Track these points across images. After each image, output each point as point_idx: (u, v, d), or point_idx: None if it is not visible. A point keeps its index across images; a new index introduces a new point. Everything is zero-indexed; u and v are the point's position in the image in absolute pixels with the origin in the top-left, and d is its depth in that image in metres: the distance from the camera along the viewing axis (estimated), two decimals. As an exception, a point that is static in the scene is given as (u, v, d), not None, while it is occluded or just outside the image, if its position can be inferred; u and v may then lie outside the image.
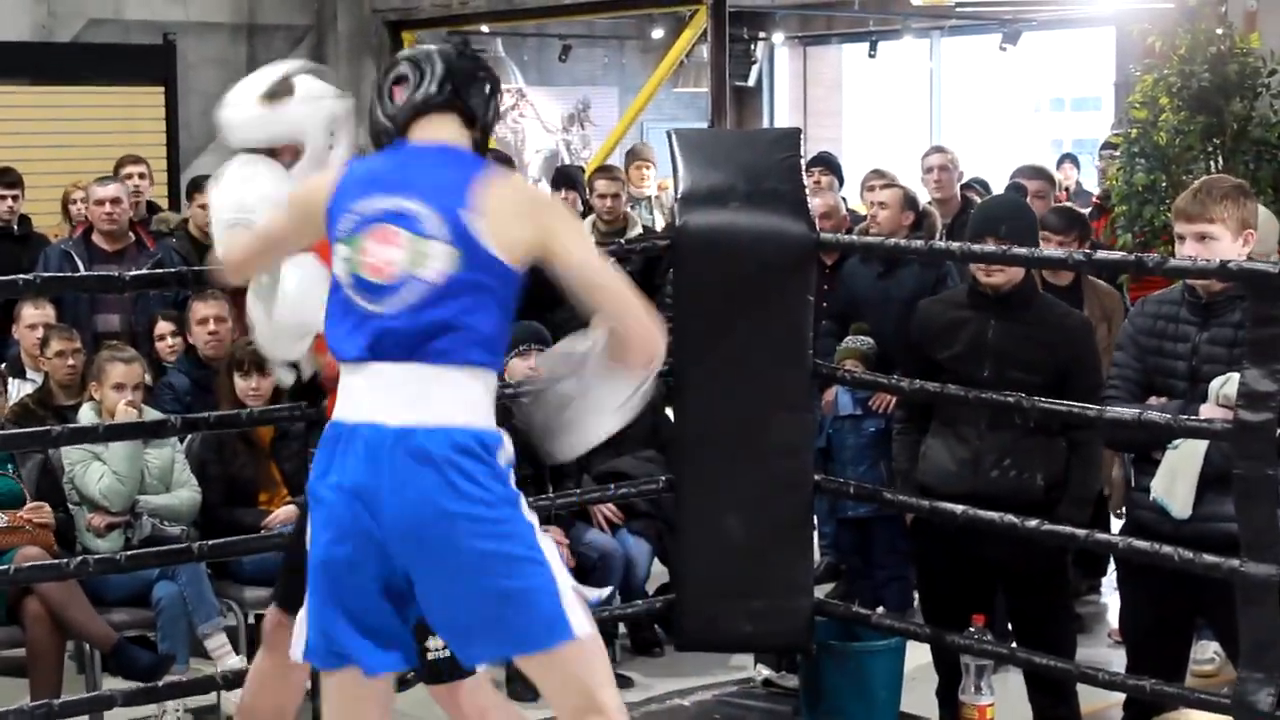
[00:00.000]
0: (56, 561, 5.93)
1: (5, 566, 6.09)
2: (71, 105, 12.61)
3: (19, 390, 7.47)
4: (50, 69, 12.77)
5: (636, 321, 3.89)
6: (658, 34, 17.34)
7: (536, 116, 17.24)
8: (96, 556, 5.80)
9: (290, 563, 4.69)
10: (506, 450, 3.85)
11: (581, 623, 3.83)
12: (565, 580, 3.84)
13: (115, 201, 8.66)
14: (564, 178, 10.94)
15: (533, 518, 3.86)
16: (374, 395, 3.79)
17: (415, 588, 3.84)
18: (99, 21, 13.31)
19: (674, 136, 5.96)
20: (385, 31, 14.41)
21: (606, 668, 3.95)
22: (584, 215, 9.60)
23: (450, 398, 3.79)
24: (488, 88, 4.06)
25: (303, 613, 3.95)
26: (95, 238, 8.66)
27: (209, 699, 6.41)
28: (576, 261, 3.85)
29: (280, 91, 4.55)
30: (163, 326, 7.92)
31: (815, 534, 7.06)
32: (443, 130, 3.98)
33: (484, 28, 15.50)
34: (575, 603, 3.84)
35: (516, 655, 3.90)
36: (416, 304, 3.77)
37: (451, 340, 3.78)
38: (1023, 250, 5.37)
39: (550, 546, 3.86)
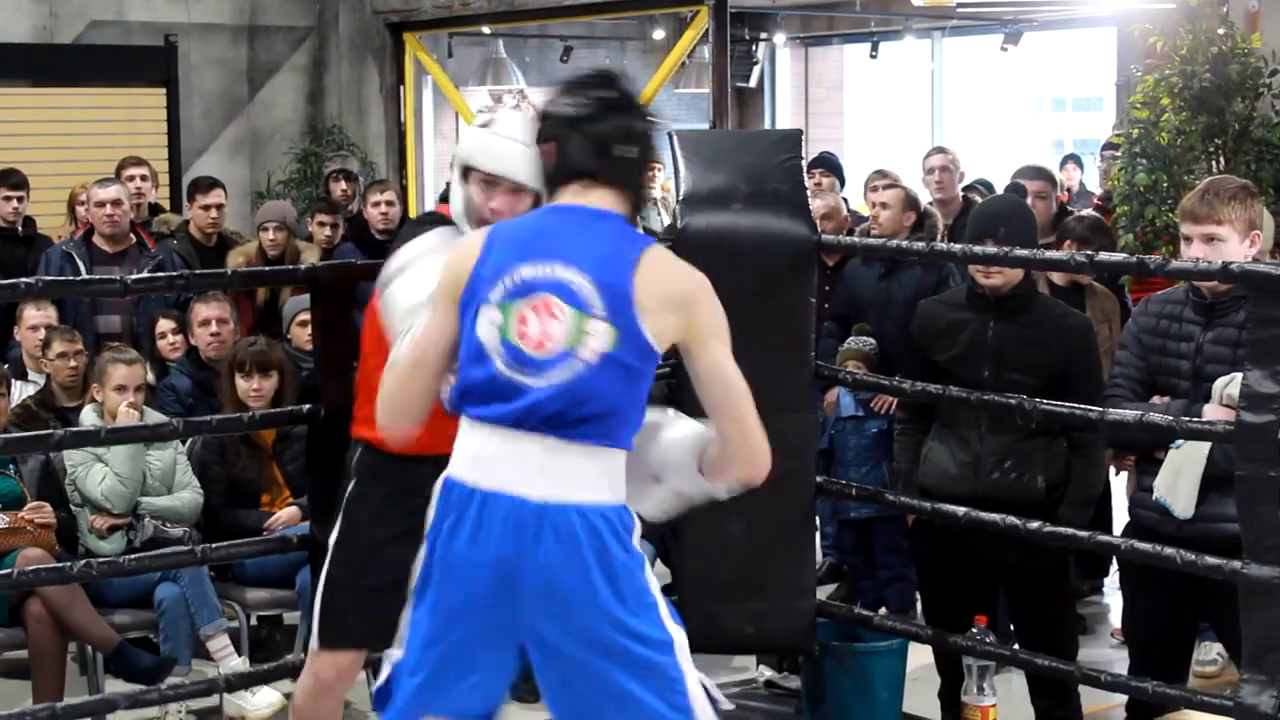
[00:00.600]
0: (59, 565, 5.93)
1: (7, 570, 6.09)
2: (73, 107, 12.61)
3: (21, 392, 7.47)
4: (52, 70, 12.78)
5: (751, 440, 3.87)
6: (659, 35, 17.35)
7: (538, 117, 17.24)
8: (99, 559, 5.80)
9: (335, 601, 4.83)
10: (638, 529, 3.85)
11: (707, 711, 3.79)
12: (693, 681, 3.79)
13: (116, 203, 8.66)
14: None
15: (664, 602, 3.83)
16: (517, 466, 3.73)
17: (537, 668, 3.80)
18: (100, 23, 13.31)
19: (675, 138, 5.96)
20: (387, 33, 14.40)
21: None
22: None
23: (593, 475, 3.75)
24: (637, 151, 3.92)
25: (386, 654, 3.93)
26: (96, 239, 8.66)
27: (211, 700, 6.42)
28: (714, 364, 3.83)
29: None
30: (164, 325, 7.93)
31: (817, 535, 7.06)
32: (597, 196, 3.87)
33: (485, 29, 15.50)
34: (700, 701, 3.80)
35: None
36: (571, 381, 3.71)
37: (600, 421, 3.74)
38: (1024, 252, 5.37)
39: (681, 639, 3.81)
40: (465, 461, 3.78)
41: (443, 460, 4.05)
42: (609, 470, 3.78)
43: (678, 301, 3.78)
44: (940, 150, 9.03)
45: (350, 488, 4.86)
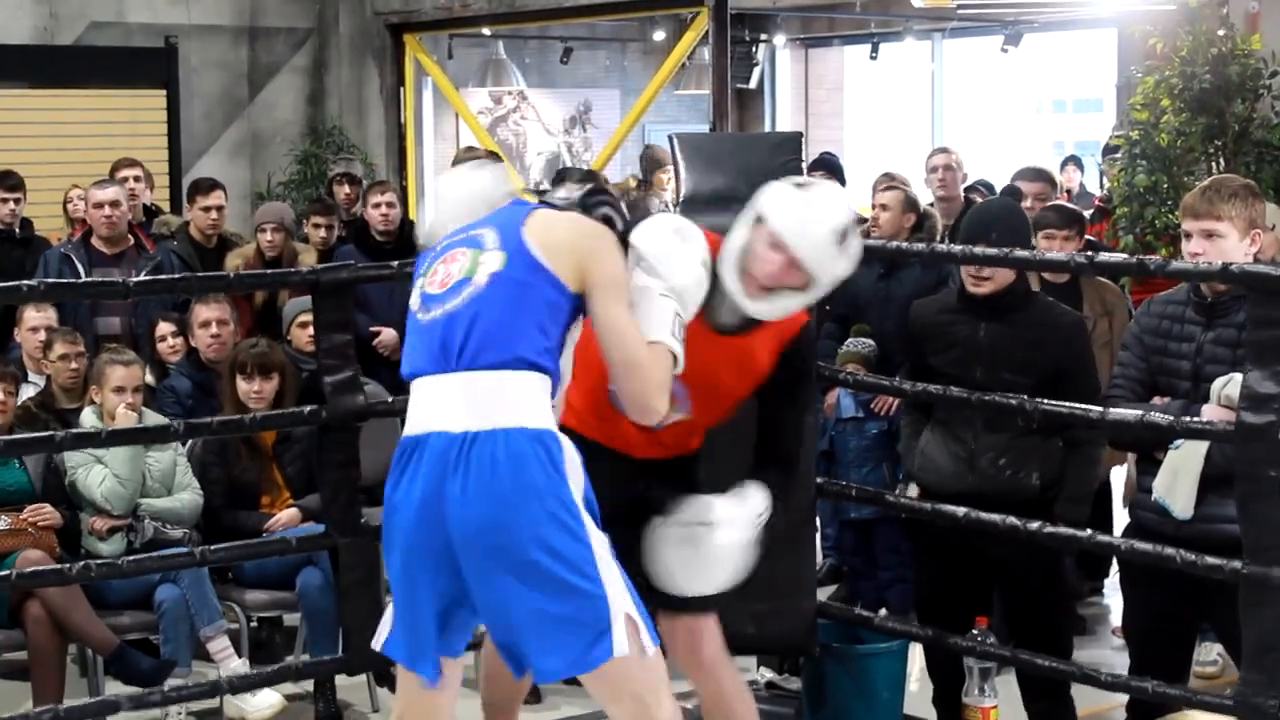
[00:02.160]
0: (58, 566, 5.93)
1: (7, 571, 6.09)
2: (73, 108, 12.61)
3: (21, 393, 7.46)
4: (52, 72, 12.77)
5: (638, 384, 4.17)
6: (659, 36, 17.35)
7: (538, 119, 17.25)
8: (99, 561, 5.80)
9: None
10: (571, 456, 4.09)
11: (623, 643, 4.00)
12: (619, 601, 4.02)
13: (114, 204, 8.66)
14: (560, 180, 10.94)
15: (596, 535, 4.06)
16: (440, 404, 4.05)
17: (470, 593, 4.05)
18: (101, 24, 13.32)
19: (676, 140, 5.96)
20: (387, 34, 14.41)
21: (659, 681, 4.19)
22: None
23: (510, 401, 4.02)
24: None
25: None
26: (95, 241, 8.66)
27: (212, 702, 6.41)
28: (608, 315, 4.13)
29: (846, 238, 4.61)
30: (163, 328, 7.93)
31: (818, 536, 7.06)
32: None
33: (485, 30, 15.50)
34: (623, 623, 4.02)
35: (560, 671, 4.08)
36: (467, 301, 4.06)
37: (503, 342, 4.04)
38: (1024, 253, 5.37)
39: (607, 562, 4.05)
40: (407, 419, 4.10)
41: (620, 456, 4.70)
42: (526, 395, 4.02)
43: (570, 245, 4.13)
44: (943, 150, 9.04)
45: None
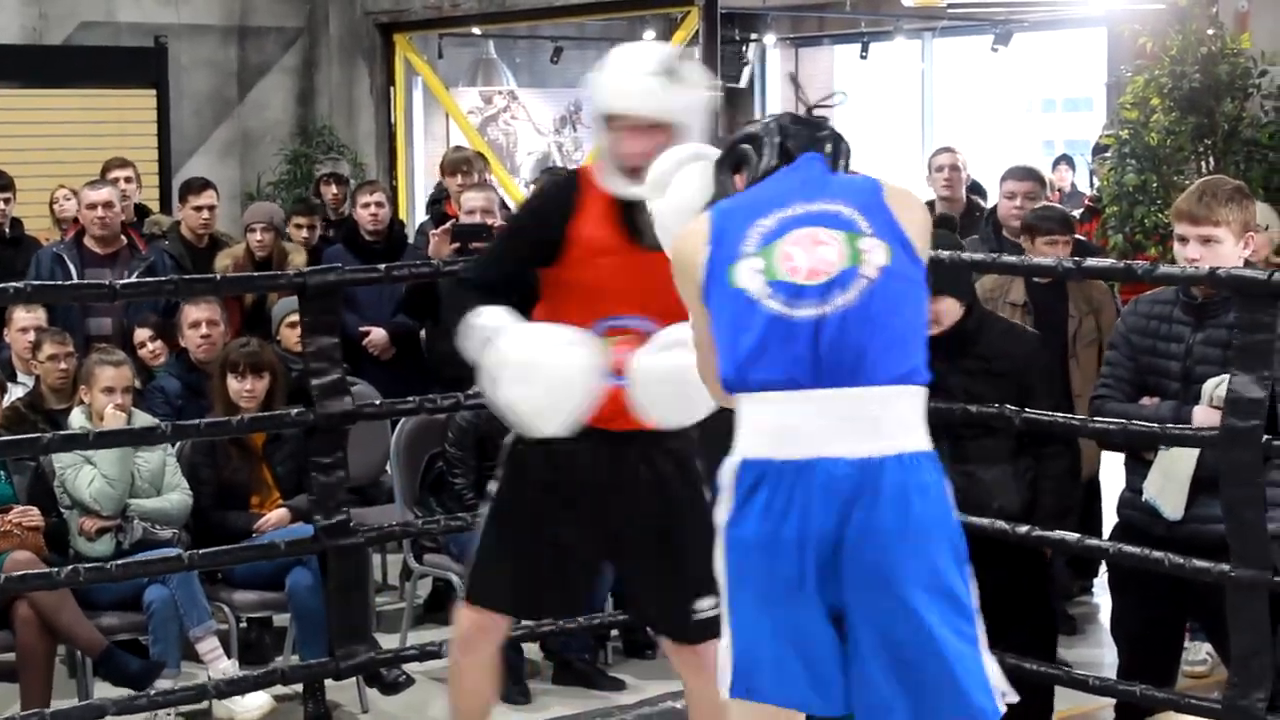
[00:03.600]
0: (47, 570, 5.92)
1: (-4, 572, 6.10)
2: (63, 108, 12.60)
3: (10, 394, 7.46)
4: (41, 72, 12.76)
5: None
6: (649, 36, 17.35)
7: (528, 118, 17.24)
8: (87, 565, 5.80)
9: (487, 565, 4.77)
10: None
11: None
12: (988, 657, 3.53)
13: (107, 205, 8.65)
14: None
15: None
16: (823, 426, 3.45)
17: (852, 630, 3.48)
18: (90, 24, 13.31)
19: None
20: (377, 34, 14.41)
21: None
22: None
23: (905, 418, 3.49)
24: (829, 147, 3.74)
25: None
26: (87, 241, 8.64)
27: (200, 703, 6.41)
28: None
29: (675, 70, 4.41)
30: (141, 334, 7.92)
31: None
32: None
33: (475, 30, 15.50)
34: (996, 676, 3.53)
35: None
36: (859, 301, 3.46)
37: (899, 350, 3.49)
38: (1013, 259, 5.37)
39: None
40: (761, 436, 3.48)
41: (598, 433, 4.43)
42: (916, 410, 3.50)
43: (922, 226, 3.62)
44: (947, 149, 9.03)
45: (506, 463, 4.76)
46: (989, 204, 8.86)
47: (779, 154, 3.70)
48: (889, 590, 3.39)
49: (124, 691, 6.02)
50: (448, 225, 8.50)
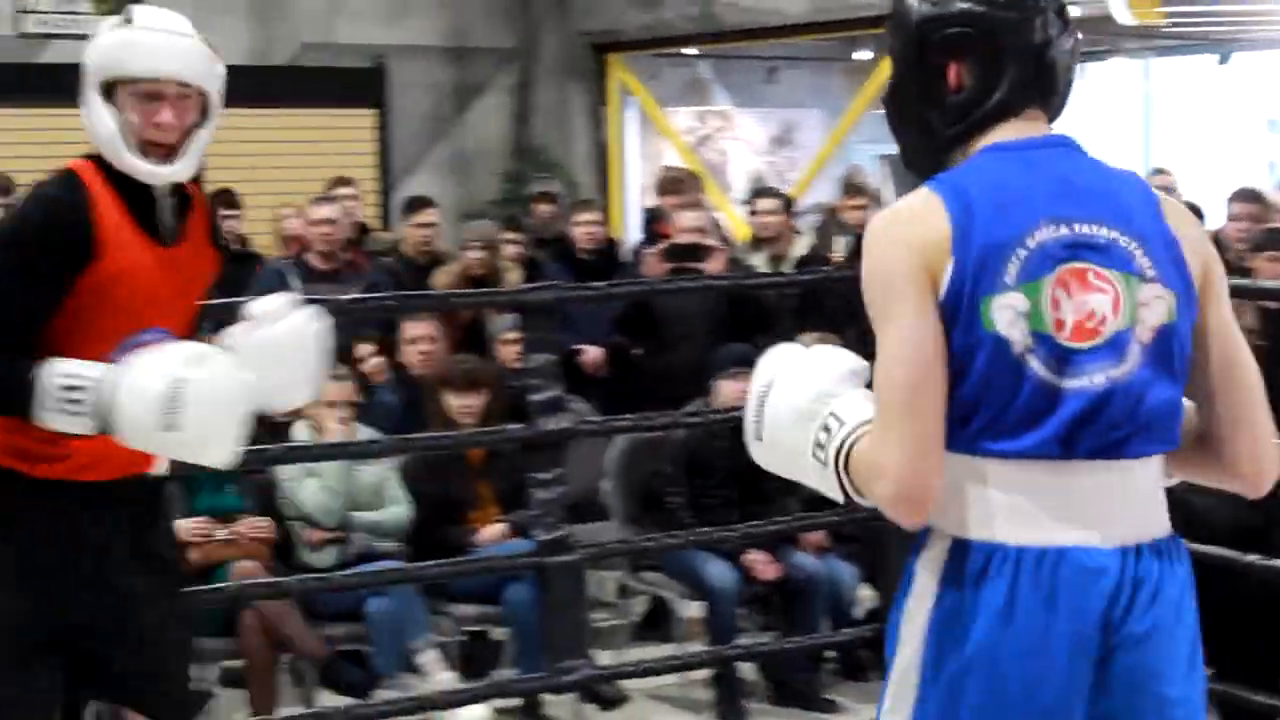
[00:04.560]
0: (273, 580, 6.04)
1: (223, 581, 6.23)
2: (286, 127, 12.86)
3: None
4: (266, 92, 13.02)
5: (1261, 428, 2.83)
6: (863, 55, 17.28)
7: (742, 138, 17.26)
8: (311, 576, 5.90)
9: None
10: None
11: None
12: None
13: (331, 222, 8.80)
14: (762, 193, 11.00)
15: None
16: (1077, 508, 2.71)
17: None
18: (311, 45, 13.56)
19: (886, 161, 5.94)
20: (591, 54, 14.50)
21: None
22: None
23: (1157, 497, 2.80)
24: (1073, 63, 2.88)
25: None
26: (310, 257, 8.80)
27: (421, 715, 6.49)
28: (1224, 318, 2.83)
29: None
30: (362, 349, 8.03)
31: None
32: (1044, 129, 2.85)
33: (689, 50, 15.55)
34: None
35: None
36: (1132, 375, 2.70)
37: (1163, 423, 2.75)
38: (1242, 281, 5.27)
39: None
40: (994, 515, 2.71)
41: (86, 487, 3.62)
42: (1161, 485, 2.83)
43: (1201, 249, 2.81)
44: (1160, 172, 8.93)
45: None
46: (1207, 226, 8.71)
47: (1028, 83, 2.80)
48: (1161, 710, 2.75)
49: (347, 700, 6.12)
50: (662, 245, 8.53)
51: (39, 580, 3.68)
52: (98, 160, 3.70)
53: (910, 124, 2.88)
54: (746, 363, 6.96)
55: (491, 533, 6.85)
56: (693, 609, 6.95)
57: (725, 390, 6.88)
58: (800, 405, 2.80)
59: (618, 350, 8.82)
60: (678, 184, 9.85)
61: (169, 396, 3.42)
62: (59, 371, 3.47)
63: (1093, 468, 2.70)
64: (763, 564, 6.87)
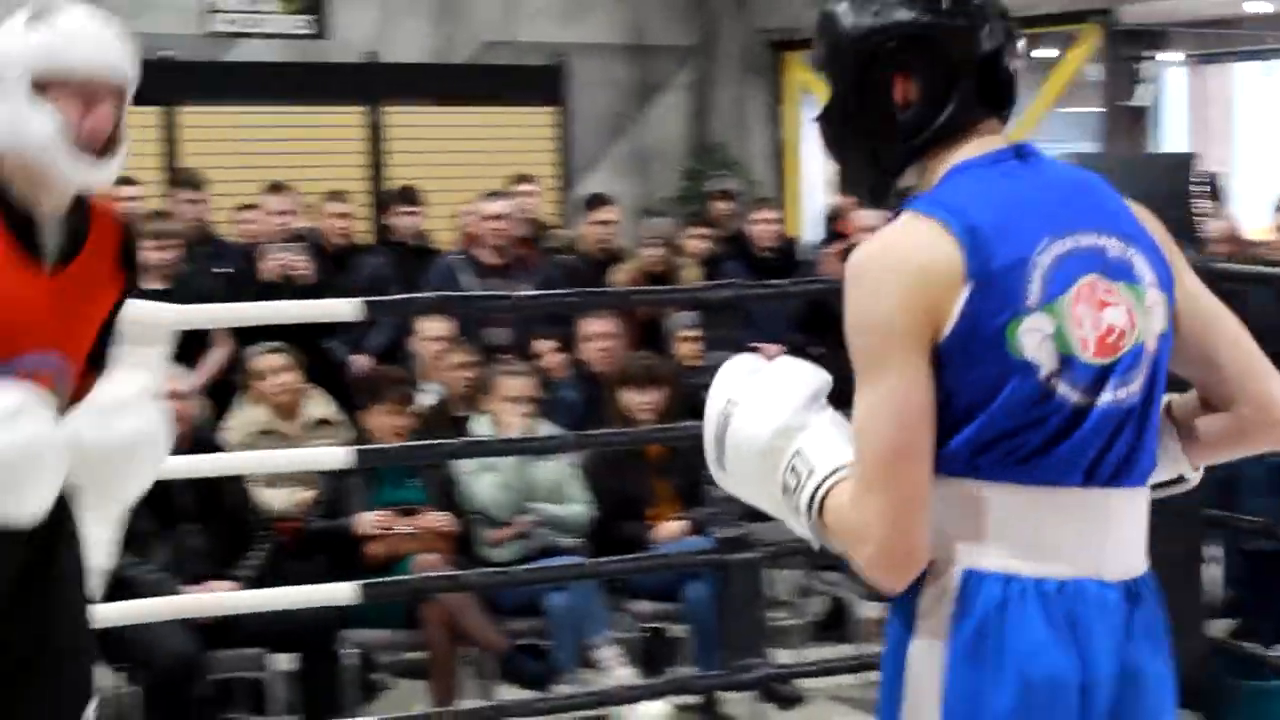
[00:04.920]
0: (454, 573, 6.10)
1: (405, 574, 6.30)
2: (467, 125, 12.97)
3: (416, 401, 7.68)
4: (448, 90, 13.16)
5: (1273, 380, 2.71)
6: (1045, 53, 17.09)
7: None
8: (491, 570, 5.95)
9: None
10: None
11: None
12: None
13: (503, 218, 8.87)
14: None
15: None
16: (1092, 537, 2.56)
17: None
18: (493, 44, 13.66)
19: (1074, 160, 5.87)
20: (769, 52, 14.47)
21: None
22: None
23: (1143, 525, 2.65)
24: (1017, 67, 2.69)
25: None
26: (482, 253, 8.86)
27: (598, 710, 6.51)
28: (1197, 284, 2.73)
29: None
30: (542, 345, 8.07)
31: (1216, 566, 6.87)
32: (995, 140, 2.65)
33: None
34: None
35: None
36: (1145, 388, 2.57)
37: (1155, 438, 2.62)
38: None
39: None
40: (1010, 544, 2.53)
41: None
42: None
43: (1167, 245, 2.70)
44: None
45: None
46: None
47: (980, 92, 2.62)
48: None
49: (526, 694, 6.16)
50: (842, 244, 8.50)
51: None
52: None
53: (852, 146, 2.69)
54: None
55: (670, 530, 6.86)
56: (872, 609, 6.91)
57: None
58: (762, 443, 2.60)
59: (796, 349, 8.79)
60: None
61: None
62: None
63: (1107, 495, 2.55)
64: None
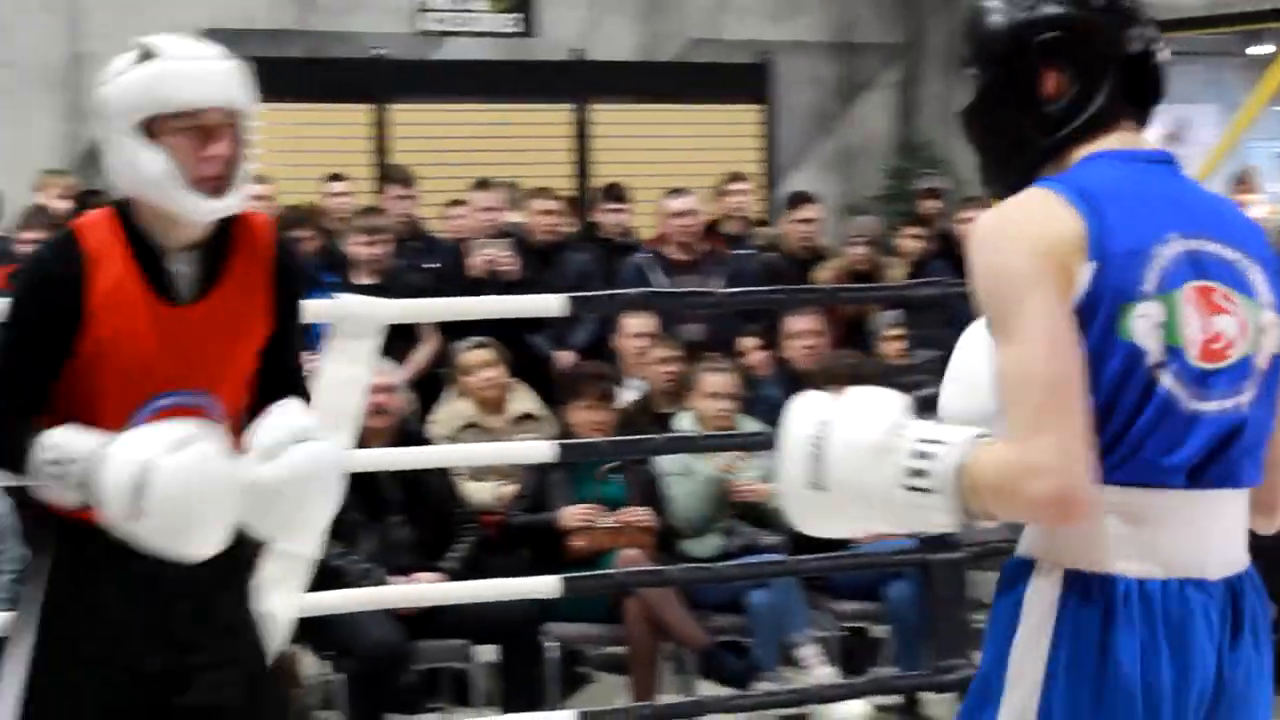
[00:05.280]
0: (656, 568, 6.12)
1: (608, 569, 6.33)
2: (672, 122, 13.01)
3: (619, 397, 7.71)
4: (653, 87, 13.21)
5: None
6: (1260, 49, 16.74)
7: (1132, 134, 16.89)
8: (694, 565, 5.96)
9: None
10: None
11: None
12: None
13: (689, 214, 8.91)
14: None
15: None
16: (1200, 538, 2.56)
17: None
18: (699, 41, 13.68)
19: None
20: (980, 49, 14.34)
21: None
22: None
23: (1246, 526, 2.66)
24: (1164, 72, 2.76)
25: None
26: (669, 250, 8.88)
27: (796, 709, 6.50)
28: None
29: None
30: (745, 342, 8.06)
31: None
32: (1134, 138, 2.70)
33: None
34: None
35: None
36: (1253, 404, 2.58)
37: (1263, 451, 2.63)
38: None
39: None
40: (1113, 545, 2.54)
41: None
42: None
43: None
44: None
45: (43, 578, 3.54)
46: None
47: (1127, 91, 2.67)
48: None
49: (726, 690, 6.16)
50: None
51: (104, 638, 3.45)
52: (119, 210, 3.44)
53: (999, 136, 2.73)
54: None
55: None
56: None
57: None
58: (874, 440, 2.60)
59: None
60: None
61: (137, 481, 3.19)
62: (48, 442, 3.30)
63: (1216, 497, 2.55)
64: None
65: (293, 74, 12.08)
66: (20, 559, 4.52)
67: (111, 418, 3.35)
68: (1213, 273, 2.55)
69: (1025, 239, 2.49)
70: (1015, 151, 2.70)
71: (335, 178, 9.99)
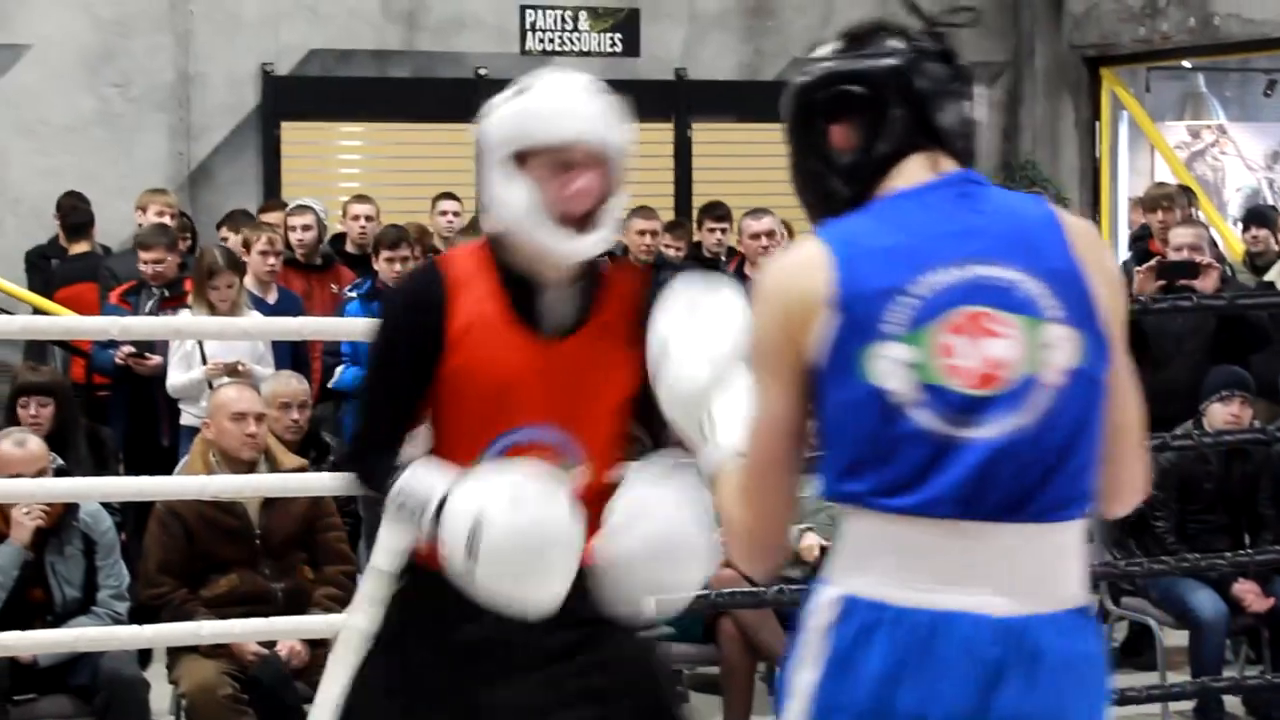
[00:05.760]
0: (752, 589, 6.12)
1: (704, 590, 6.33)
2: (772, 142, 12.94)
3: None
4: (755, 107, 13.21)
5: (1139, 466, 2.78)
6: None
7: (1238, 153, 16.73)
8: (790, 586, 5.95)
9: None
10: None
11: None
12: None
13: (768, 234, 9.18)
14: (1256, 216, 10.65)
15: None
16: (970, 571, 2.57)
17: None
18: (802, 60, 13.68)
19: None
20: (1083, 67, 14.26)
21: None
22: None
23: (1069, 564, 2.65)
24: (965, 104, 2.83)
25: None
26: (747, 269, 9.08)
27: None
28: (1124, 362, 2.72)
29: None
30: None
31: None
32: (928, 170, 2.75)
33: (1186, 62, 15.15)
34: None
35: None
36: (1038, 422, 2.57)
37: (1078, 475, 2.61)
38: None
39: None
40: (884, 573, 2.59)
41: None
42: (1080, 554, 2.66)
43: (1112, 278, 2.72)
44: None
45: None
46: None
47: (913, 129, 2.74)
48: None
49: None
50: (1152, 263, 8.35)
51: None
52: (491, 243, 3.46)
53: (810, 190, 2.83)
54: (1240, 385, 6.76)
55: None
56: (1175, 637, 6.77)
57: (1216, 413, 6.69)
58: (700, 385, 2.93)
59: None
60: (1164, 200, 9.63)
61: (472, 532, 3.15)
62: (399, 481, 3.30)
63: (997, 530, 2.56)
64: (1254, 595, 6.66)
65: (399, 94, 12.21)
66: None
67: (465, 450, 3.36)
68: (985, 297, 2.58)
69: (777, 300, 2.64)
70: (824, 203, 2.79)
71: (447, 196, 10.07)
